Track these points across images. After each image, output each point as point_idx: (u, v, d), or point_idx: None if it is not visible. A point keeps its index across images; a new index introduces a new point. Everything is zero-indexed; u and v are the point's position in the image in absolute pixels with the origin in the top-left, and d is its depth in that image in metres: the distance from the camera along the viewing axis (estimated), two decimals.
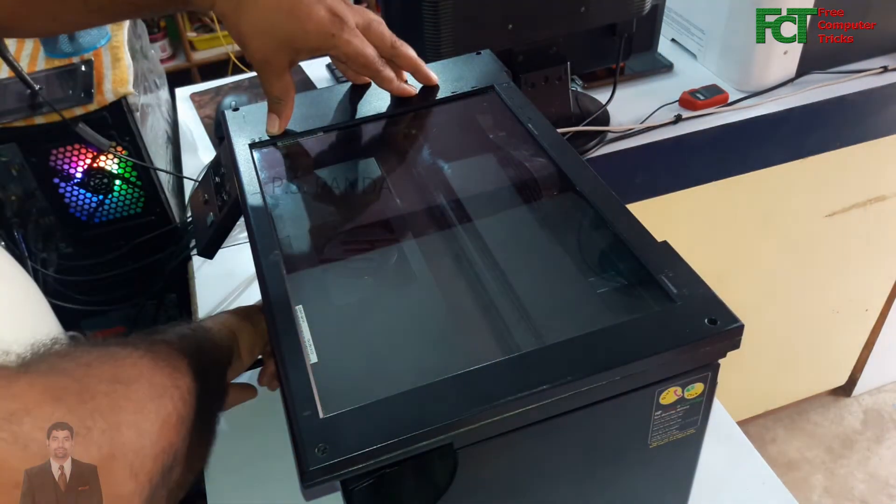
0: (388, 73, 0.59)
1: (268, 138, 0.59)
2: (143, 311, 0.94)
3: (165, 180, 0.93)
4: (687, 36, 1.20)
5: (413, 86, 0.62)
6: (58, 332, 0.53)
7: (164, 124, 1.08)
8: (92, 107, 0.79)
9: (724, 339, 0.38)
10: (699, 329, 0.38)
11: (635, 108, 1.07)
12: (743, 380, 1.42)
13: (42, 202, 0.84)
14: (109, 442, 0.30)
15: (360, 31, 0.56)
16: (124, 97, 0.81)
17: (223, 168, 0.61)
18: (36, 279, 0.81)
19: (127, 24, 0.94)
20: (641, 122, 1.04)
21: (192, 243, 0.89)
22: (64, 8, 0.53)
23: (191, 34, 2.70)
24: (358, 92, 0.64)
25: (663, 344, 0.37)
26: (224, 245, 0.64)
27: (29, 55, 0.88)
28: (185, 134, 1.14)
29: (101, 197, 0.87)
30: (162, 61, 2.27)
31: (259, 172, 0.55)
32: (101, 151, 0.83)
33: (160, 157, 0.94)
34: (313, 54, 0.57)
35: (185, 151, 1.10)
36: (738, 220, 1.16)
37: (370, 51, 0.56)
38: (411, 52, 0.60)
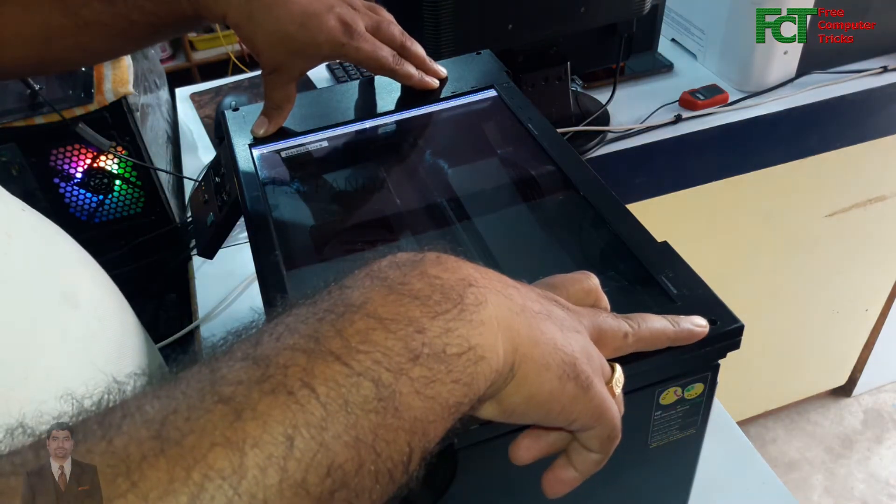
0: (405, 69, 0.59)
1: (267, 138, 0.59)
2: (143, 311, 0.94)
3: (165, 180, 0.93)
4: (687, 36, 1.20)
5: (433, 78, 0.62)
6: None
7: (164, 124, 1.08)
8: (92, 107, 0.79)
9: (724, 339, 0.38)
10: None
11: (635, 108, 1.07)
12: (743, 380, 1.42)
13: (42, 202, 0.84)
14: None
15: (371, 32, 0.56)
16: (124, 97, 0.81)
17: (223, 168, 0.61)
18: None
19: None
20: (641, 122, 1.04)
21: (192, 243, 0.89)
22: (85, 36, 0.54)
23: (191, 34, 2.70)
24: (358, 92, 0.64)
25: None
26: (224, 245, 0.64)
27: None
28: (185, 134, 1.14)
29: (101, 197, 0.87)
30: (162, 61, 2.27)
31: (259, 172, 0.55)
32: (101, 151, 0.83)
33: (160, 157, 0.94)
34: (325, 60, 0.58)
35: (185, 151, 1.10)
36: (738, 220, 1.17)
37: (382, 53, 0.57)
38: (420, 49, 0.61)
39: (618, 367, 0.32)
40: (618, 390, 0.32)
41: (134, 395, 0.22)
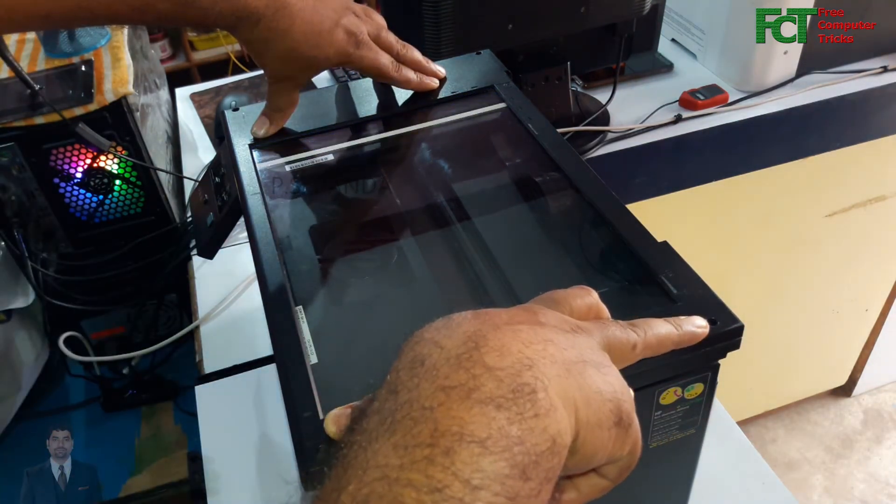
0: (405, 74, 0.60)
1: (267, 138, 0.59)
2: (143, 311, 0.94)
3: (165, 180, 0.93)
4: (687, 36, 1.20)
5: (433, 78, 0.63)
6: None
7: (164, 124, 1.08)
8: (92, 107, 0.79)
9: (724, 339, 0.38)
10: None
11: (635, 108, 1.07)
12: (743, 380, 1.42)
13: (42, 202, 0.84)
14: None
15: (373, 39, 0.57)
16: (124, 97, 0.81)
17: (223, 168, 0.61)
18: (36, 279, 0.81)
19: None
20: (641, 122, 1.04)
21: (192, 243, 0.89)
22: (86, 21, 0.53)
23: (191, 34, 2.70)
24: (357, 92, 0.64)
25: None
26: (224, 245, 0.64)
27: (29, 55, 0.88)
28: (185, 134, 1.14)
29: (101, 197, 0.87)
30: (162, 61, 2.27)
31: (259, 172, 0.55)
32: (101, 151, 0.83)
33: (160, 157, 0.94)
34: (330, 68, 0.58)
35: (185, 151, 1.10)
36: (738, 220, 1.16)
37: (383, 61, 0.58)
38: (416, 54, 0.62)
39: (630, 392, 0.32)
40: None
41: None
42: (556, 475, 0.25)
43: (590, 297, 0.34)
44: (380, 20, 0.59)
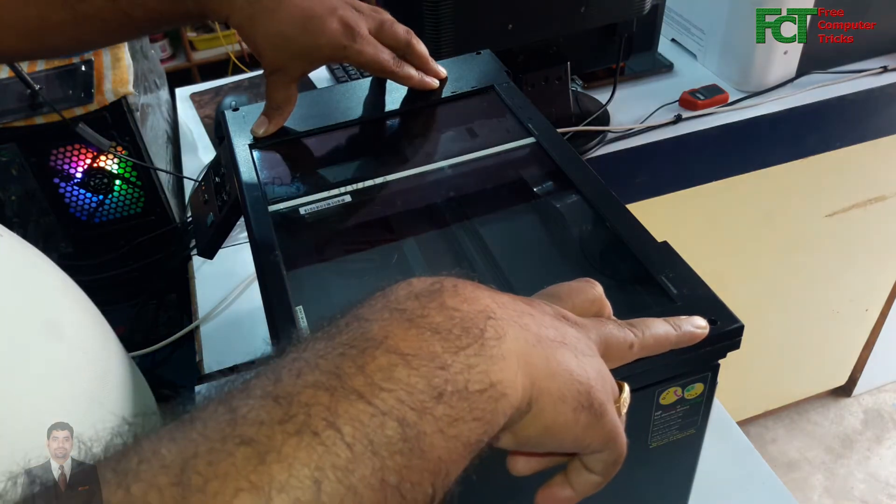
0: (406, 71, 0.59)
1: (267, 138, 0.59)
2: (143, 311, 0.94)
3: (165, 180, 0.93)
4: (687, 36, 1.20)
5: (433, 79, 0.62)
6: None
7: (164, 124, 1.08)
8: (92, 107, 0.79)
9: (724, 339, 0.38)
10: None
11: (635, 108, 1.07)
12: (743, 380, 1.42)
13: (42, 202, 0.84)
14: None
15: (374, 34, 0.56)
16: (124, 97, 0.81)
17: (223, 168, 0.61)
18: None
19: None
20: (641, 122, 1.04)
21: (192, 243, 0.89)
22: (82, 30, 0.54)
23: (191, 34, 2.71)
24: (357, 92, 0.64)
25: None
26: (224, 245, 0.64)
27: None
28: (185, 134, 1.14)
29: (101, 197, 0.87)
30: (162, 61, 2.27)
31: (259, 172, 0.55)
32: (101, 151, 0.83)
33: (160, 157, 0.94)
34: (327, 62, 0.58)
35: (185, 151, 1.10)
36: (738, 220, 1.17)
37: (384, 56, 0.57)
38: (424, 49, 0.61)
39: (626, 388, 0.32)
40: (623, 410, 0.31)
41: (146, 437, 0.21)
42: (494, 421, 0.25)
43: (593, 291, 0.34)
44: (386, 15, 0.59)
